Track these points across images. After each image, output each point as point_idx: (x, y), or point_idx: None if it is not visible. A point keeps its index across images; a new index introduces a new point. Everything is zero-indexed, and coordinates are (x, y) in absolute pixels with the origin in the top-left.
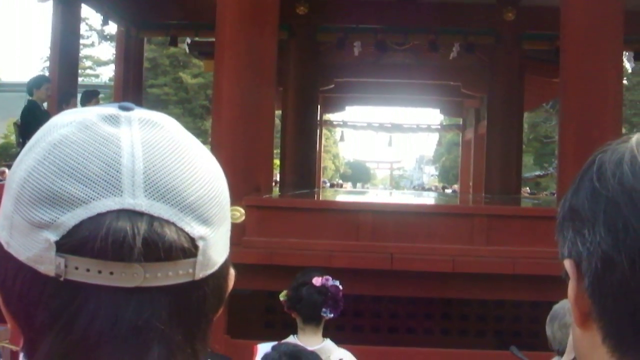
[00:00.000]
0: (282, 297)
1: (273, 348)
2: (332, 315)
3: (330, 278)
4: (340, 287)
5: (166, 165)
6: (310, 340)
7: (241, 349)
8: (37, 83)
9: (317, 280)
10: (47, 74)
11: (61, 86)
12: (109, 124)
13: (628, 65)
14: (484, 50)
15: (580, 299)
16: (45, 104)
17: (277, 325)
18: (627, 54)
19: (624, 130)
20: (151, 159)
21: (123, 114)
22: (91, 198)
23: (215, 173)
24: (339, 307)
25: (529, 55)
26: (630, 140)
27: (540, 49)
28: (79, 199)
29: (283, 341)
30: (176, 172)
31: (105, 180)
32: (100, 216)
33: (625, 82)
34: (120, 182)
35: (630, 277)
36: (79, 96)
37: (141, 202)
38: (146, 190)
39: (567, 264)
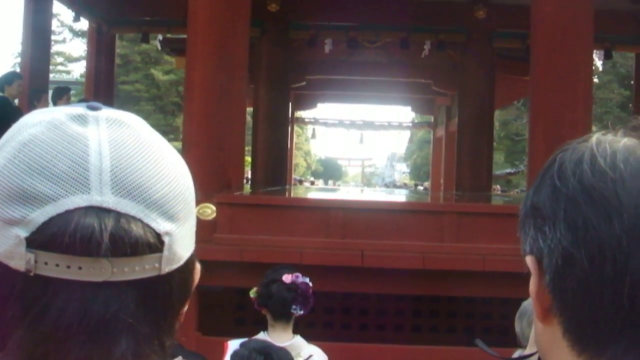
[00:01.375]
0: (252, 294)
1: (243, 345)
2: (302, 312)
3: (300, 275)
4: (310, 284)
5: (133, 163)
6: (280, 336)
7: (212, 346)
8: (8, 79)
9: (287, 278)
10: (18, 70)
11: (33, 82)
12: (77, 123)
13: (599, 64)
14: (455, 48)
15: (541, 294)
16: (16, 100)
17: (248, 322)
18: (597, 52)
19: (594, 129)
20: (118, 157)
21: (91, 113)
22: (60, 195)
23: (181, 171)
24: (309, 303)
25: (500, 53)
26: (590, 140)
27: (511, 47)
28: (48, 197)
29: (253, 338)
30: (142, 170)
31: (74, 178)
32: (68, 213)
33: (595, 80)
34: (88, 180)
35: (589, 273)
36: (50, 92)
37: (108, 199)
38: (113, 188)
39: (529, 260)
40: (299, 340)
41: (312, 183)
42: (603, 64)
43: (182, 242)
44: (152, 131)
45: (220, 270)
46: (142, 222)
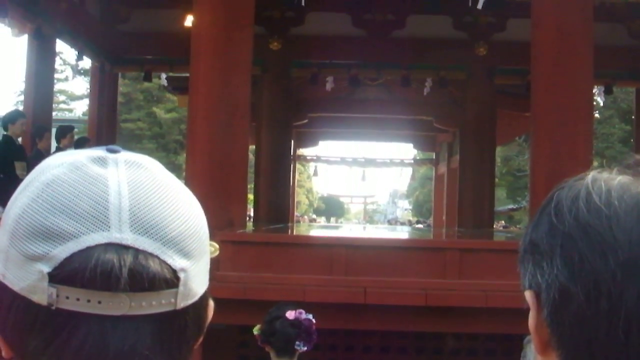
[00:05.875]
0: (255, 331)
1: None
2: (305, 348)
3: (303, 311)
4: (314, 320)
5: (150, 202)
6: None
7: None
8: (12, 118)
9: (290, 314)
10: (21, 108)
11: (36, 121)
12: (98, 165)
13: (599, 99)
14: (457, 85)
15: (540, 328)
16: (19, 139)
17: (251, 359)
18: (598, 87)
19: (595, 163)
20: (136, 197)
21: (110, 156)
22: (81, 233)
23: (195, 210)
24: (312, 340)
25: (501, 89)
26: (586, 178)
27: (512, 84)
28: (69, 234)
29: None
30: (159, 209)
31: (94, 217)
32: (89, 249)
33: (597, 115)
34: (107, 218)
35: (585, 307)
36: (53, 131)
37: (127, 237)
38: (132, 226)
39: (528, 295)
40: None
41: (314, 220)
42: (604, 99)
43: (196, 279)
44: (168, 173)
45: (223, 308)
46: (159, 258)
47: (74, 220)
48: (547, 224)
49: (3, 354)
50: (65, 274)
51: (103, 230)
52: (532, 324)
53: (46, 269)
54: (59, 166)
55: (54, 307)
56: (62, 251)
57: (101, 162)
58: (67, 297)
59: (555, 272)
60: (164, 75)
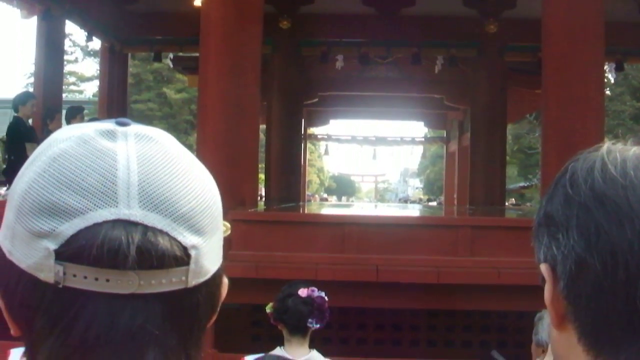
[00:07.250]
0: (268, 308)
1: None
2: (318, 325)
3: (316, 289)
4: (326, 298)
5: (160, 177)
6: (296, 351)
7: None
8: (22, 99)
9: (303, 292)
10: (31, 90)
11: (46, 102)
12: (106, 138)
13: (610, 76)
14: (467, 63)
15: (556, 301)
16: (30, 120)
17: (264, 338)
18: (608, 64)
19: (606, 141)
20: (146, 171)
21: (120, 129)
22: (88, 209)
23: (208, 185)
24: (325, 317)
25: (512, 67)
26: (600, 149)
27: (522, 61)
28: (76, 210)
29: (269, 353)
30: (170, 184)
31: (102, 192)
32: (96, 226)
33: (608, 92)
34: (116, 193)
35: (602, 278)
36: (63, 112)
37: (136, 213)
38: (141, 202)
39: (543, 268)
40: (315, 354)
41: (325, 199)
42: (615, 76)
43: (209, 256)
44: (180, 146)
45: (235, 287)
46: (169, 235)
47: (81, 196)
48: (562, 196)
49: (11, 332)
50: (72, 251)
51: (111, 206)
52: (547, 297)
53: (52, 246)
54: (67, 140)
55: (61, 285)
56: (69, 228)
57: (110, 135)
58: (74, 275)
59: (571, 243)
60: (171, 56)
